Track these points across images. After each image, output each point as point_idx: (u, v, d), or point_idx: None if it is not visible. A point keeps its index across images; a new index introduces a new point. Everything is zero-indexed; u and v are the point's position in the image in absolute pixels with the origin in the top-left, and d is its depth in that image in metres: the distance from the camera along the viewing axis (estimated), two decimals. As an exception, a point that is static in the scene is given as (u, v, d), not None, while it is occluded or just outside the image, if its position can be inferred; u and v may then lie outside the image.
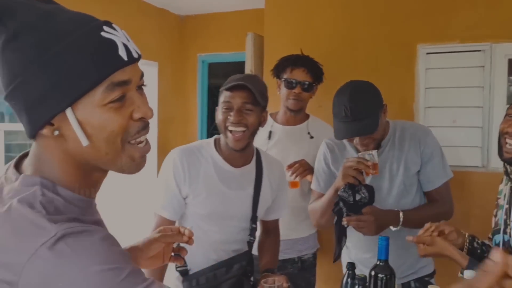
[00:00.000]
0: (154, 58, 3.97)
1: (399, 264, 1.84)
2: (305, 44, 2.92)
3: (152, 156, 3.59)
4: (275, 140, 2.34)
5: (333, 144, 2.04)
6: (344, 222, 1.77)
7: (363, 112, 1.74)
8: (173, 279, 1.78)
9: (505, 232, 1.57)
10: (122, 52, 0.77)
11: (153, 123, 3.94)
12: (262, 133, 2.20)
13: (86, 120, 0.75)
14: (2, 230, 0.72)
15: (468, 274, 1.42)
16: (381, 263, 1.53)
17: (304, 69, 2.29)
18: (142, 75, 0.83)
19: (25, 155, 0.85)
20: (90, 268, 0.70)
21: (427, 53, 2.63)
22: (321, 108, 2.86)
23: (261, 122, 1.71)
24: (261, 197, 1.79)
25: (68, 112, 0.74)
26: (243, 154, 1.74)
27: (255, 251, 1.87)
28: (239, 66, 3.59)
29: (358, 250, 2.02)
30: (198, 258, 1.70)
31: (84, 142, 0.76)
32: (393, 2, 2.76)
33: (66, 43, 0.72)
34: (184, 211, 1.75)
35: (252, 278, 1.80)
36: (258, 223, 1.93)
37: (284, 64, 2.34)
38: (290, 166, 2.18)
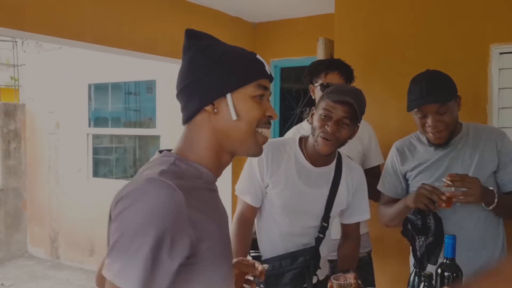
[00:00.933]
0: (229, 65, 4.18)
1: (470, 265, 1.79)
2: (375, 47, 2.98)
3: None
4: None
5: (402, 146, 2.10)
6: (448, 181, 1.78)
7: (438, 87, 1.86)
8: None
9: None
10: (267, 69, 1.14)
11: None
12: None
13: (238, 104, 1.08)
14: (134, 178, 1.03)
15: None
16: (447, 261, 1.57)
17: (337, 73, 2.34)
18: (270, 94, 1.17)
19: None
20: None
21: (501, 53, 2.59)
22: (391, 110, 2.90)
23: (351, 136, 1.81)
24: (336, 198, 1.87)
25: (228, 96, 1.08)
26: (326, 157, 1.84)
27: (323, 252, 1.93)
28: (310, 70, 3.70)
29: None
30: (267, 245, 1.88)
31: (234, 116, 1.07)
32: (464, 2, 2.73)
33: (237, 55, 1.12)
34: (263, 200, 1.91)
35: (316, 275, 1.88)
36: (336, 225, 2.04)
37: (318, 69, 2.39)
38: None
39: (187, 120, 1.12)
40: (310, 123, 1.85)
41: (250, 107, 1.09)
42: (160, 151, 1.14)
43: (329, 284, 1.82)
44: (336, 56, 3.16)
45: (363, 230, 2.35)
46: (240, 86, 1.08)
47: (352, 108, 1.72)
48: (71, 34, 3.03)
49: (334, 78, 2.33)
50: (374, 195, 2.19)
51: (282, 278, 1.81)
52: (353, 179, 1.93)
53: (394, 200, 2.08)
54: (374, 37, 3.00)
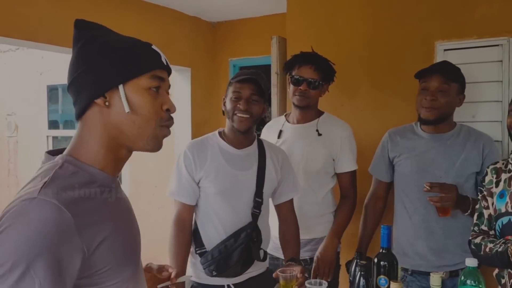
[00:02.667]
0: (187, 64, 4.17)
1: (447, 252, 2.10)
2: (326, 45, 3.02)
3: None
4: (283, 139, 2.41)
5: (395, 132, 2.33)
6: (427, 186, 1.99)
7: (449, 66, 2.17)
8: (193, 260, 2.03)
9: None
10: (163, 60, 1.08)
11: (187, 125, 4.15)
12: (272, 132, 2.44)
13: (132, 96, 1.02)
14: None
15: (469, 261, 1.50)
16: (383, 251, 1.62)
17: (311, 67, 2.31)
18: (169, 86, 1.12)
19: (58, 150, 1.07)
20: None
21: (445, 50, 2.67)
22: (343, 107, 2.96)
23: (263, 112, 2.00)
24: (266, 175, 2.01)
25: (120, 87, 1.01)
26: (245, 137, 2.00)
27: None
28: (268, 69, 3.73)
29: (407, 237, 2.23)
30: (211, 237, 1.95)
31: (127, 109, 1.00)
32: (410, 0, 2.81)
33: (129, 44, 1.05)
34: (198, 195, 1.99)
35: (262, 248, 1.98)
36: (275, 213, 2.14)
37: (292, 61, 2.39)
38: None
39: (79, 115, 1.04)
40: (223, 110, 2.01)
41: (145, 99, 1.03)
42: (49, 152, 1.05)
43: (274, 276, 1.86)
44: (289, 55, 3.20)
45: (324, 233, 2.36)
46: (133, 76, 1.02)
47: (257, 85, 1.92)
48: (25, 34, 2.97)
49: (306, 72, 2.31)
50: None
51: (230, 258, 1.89)
52: (278, 157, 2.09)
53: (382, 183, 2.38)
54: (325, 36, 3.05)
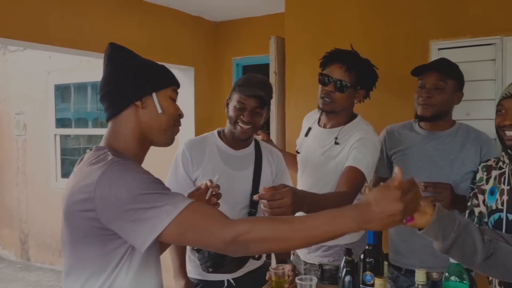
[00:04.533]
0: (190, 63, 4.24)
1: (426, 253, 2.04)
2: (324, 44, 3.04)
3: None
4: (307, 139, 2.27)
5: (393, 129, 2.33)
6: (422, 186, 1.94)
7: (446, 62, 2.16)
8: (192, 257, 2.07)
9: (508, 212, 1.67)
10: (177, 80, 1.44)
11: (190, 123, 4.22)
12: (305, 127, 2.34)
13: (161, 102, 1.35)
14: (79, 174, 1.23)
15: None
16: (370, 247, 1.66)
17: (341, 66, 2.04)
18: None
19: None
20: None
21: (439, 49, 2.71)
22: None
23: (264, 120, 2.04)
24: (262, 175, 2.06)
25: (154, 94, 1.34)
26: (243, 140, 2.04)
27: None
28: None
29: (401, 234, 2.23)
30: None
31: (159, 110, 1.34)
32: (405, 0, 2.85)
33: (156, 65, 1.40)
34: None
35: None
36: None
37: (325, 58, 2.15)
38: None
39: (113, 115, 1.34)
40: (226, 111, 2.03)
41: (170, 104, 1.37)
42: (90, 148, 1.34)
43: (267, 275, 1.92)
44: (287, 54, 3.25)
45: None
46: (163, 88, 1.36)
47: (262, 99, 1.94)
48: (30, 36, 3.05)
49: (336, 72, 2.04)
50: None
51: (226, 256, 1.89)
52: (274, 159, 2.14)
53: (381, 179, 2.31)
54: (323, 35, 3.10)
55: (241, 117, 1.94)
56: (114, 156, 1.22)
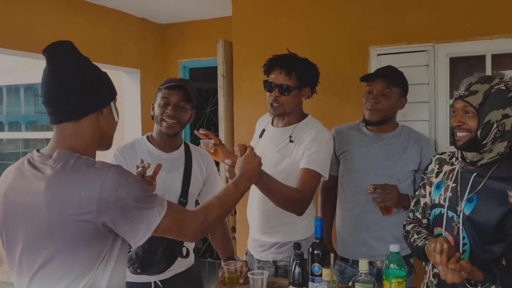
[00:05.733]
0: (137, 66, 4.22)
1: (384, 242, 2.18)
2: (271, 49, 3.15)
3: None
4: (262, 140, 2.32)
5: (342, 129, 2.45)
6: (371, 188, 2.19)
7: (392, 71, 2.32)
8: None
9: (449, 209, 1.71)
10: None
11: (137, 124, 4.19)
12: (259, 129, 2.39)
13: (115, 109, 1.42)
14: (72, 178, 1.23)
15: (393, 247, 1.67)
16: (317, 241, 1.77)
17: (281, 71, 2.12)
18: None
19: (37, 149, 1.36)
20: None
21: (378, 55, 2.88)
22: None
23: (190, 118, 2.11)
24: (192, 176, 2.11)
25: (111, 103, 1.40)
26: (172, 141, 2.10)
27: None
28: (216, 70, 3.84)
29: (348, 227, 2.36)
30: None
31: (116, 118, 1.43)
32: (346, 7, 3.01)
33: (104, 73, 1.42)
34: None
35: (185, 246, 2.06)
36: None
37: (267, 66, 2.22)
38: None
39: (73, 120, 1.33)
40: (152, 115, 2.09)
41: (118, 111, 1.45)
42: (38, 150, 1.35)
43: (220, 272, 1.97)
44: (235, 58, 3.33)
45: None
46: (115, 96, 1.43)
47: (186, 92, 2.01)
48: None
49: (277, 77, 2.14)
50: None
51: (155, 255, 1.93)
52: (204, 160, 2.20)
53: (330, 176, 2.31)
54: (270, 40, 3.19)
55: (166, 111, 2.00)
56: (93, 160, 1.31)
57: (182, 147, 2.16)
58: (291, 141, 2.16)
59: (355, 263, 2.28)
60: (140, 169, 1.74)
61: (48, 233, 1.22)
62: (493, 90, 1.60)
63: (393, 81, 2.26)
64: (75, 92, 1.31)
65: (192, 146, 2.22)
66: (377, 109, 2.25)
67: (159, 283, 2.06)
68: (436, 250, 1.50)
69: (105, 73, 1.42)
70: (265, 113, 2.41)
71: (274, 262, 2.20)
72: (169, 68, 4.51)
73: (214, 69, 4.26)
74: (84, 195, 1.20)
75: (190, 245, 2.15)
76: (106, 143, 1.44)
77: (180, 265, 2.08)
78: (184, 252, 2.03)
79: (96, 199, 1.20)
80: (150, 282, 2.05)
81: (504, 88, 1.60)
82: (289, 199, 1.97)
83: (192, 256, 2.16)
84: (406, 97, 2.34)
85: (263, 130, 2.33)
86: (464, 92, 1.63)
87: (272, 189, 1.92)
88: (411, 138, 2.33)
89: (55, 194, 1.21)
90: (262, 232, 2.24)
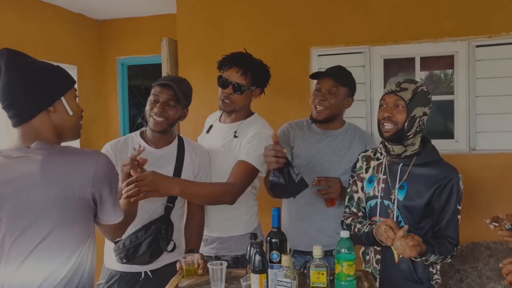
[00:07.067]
0: (73, 62, 4.09)
1: (323, 233, 2.36)
2: (216, 48, 3.24)
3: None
4: (209, 135, 2.39)
5: (295, 125, 2.51)
6: (316, 180, 2.28)
7: (340, 71, 2.40)
8: (108, 248, 2.13)
9: (384, 198, 1.93)
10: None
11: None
12: (208, 124, 2.47)
13: (69, 104, 1.45)
14: (66, 159, 1.37)
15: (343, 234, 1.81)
16: (274, 230, 1.86)
17: (238, 70, 2.19)
18: None
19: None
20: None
21: (319, 55, 3.05)
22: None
23: (181, 117, 2.12)
24: (183, 171, 2.12)
25: (62, 99, 1.43)
26: (163, 136, 2.12)
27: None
28: (157, 68, 3.83)
29: (291, 217, 2.46)
30: (129, 228, 1.93)
31: (70, 112, 1.45)
32: (287, 9, 3.15)
33: (57, 67, 1.47)
34: None
35: (173, 240, 2.10)
36: (185, 206, 2.25)
37: (222, 62, 2.28)
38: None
39: (24, 121, 1.39)
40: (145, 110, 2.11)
41: (76, 104, 1.49)
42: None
43: (178, 265, 2.02)
44: (180, 56, 3.36)
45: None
46: (68, 90, 1.46)
47: (175, 92, 2.03)
48: None
49: (233, 75, 2.20)
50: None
51: (140, 247, 2.00)
52: (196, 154, 2.20)
53: None
54: (215, 39, 3.26)
55: (154, 109, 2.04)
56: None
57: (175, 142, 2.17)
58: (235, 136, 2.23)
59: (296, 252, 2.41)
60: (136, 152, 1.84)
61: (45, 211, 1.32)
62: (419, 90, 1.88)
63: (340, 80, 2.36)
64: (17, 96, 1.37)
65: (186, 141, 2.22)
66: (324, 106, 2.35)
67: (149, 273, 2.10)
68: (387, 230, 1.73)
69: (51, 70, 1.44)
70: (209, 110, 2.54)
71: (217, 257, 2.27)
72: (106, 65, 4.42)
73: (153, 66, 4.25)
74: (81, 174, 1.35)
75: (178, 240, 2.17)
76: (69, 137, 1.49)
77: (170, 256, 2.12)
78: (170, 247, 2.07)
79: (92, 176, 1.36)
80: (141, 272, 2.10)
81: (426, 90, 1.90)
82: (215, 197, 2.06)
83: (182, 248, 2.19)
84: (353, 96, 2.45)
85: (211, 126, 2.40)
86: (396, 88, 1.88)
87: (194, 194, 2.02)
88: (356, 135, 2.46)
89: (52, 174, 1.32)
90: (205, 225, 2.30)
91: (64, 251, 1.35)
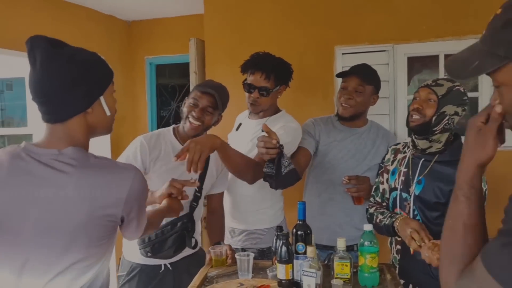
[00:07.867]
0: (104, 62, 4.23)
1: (345, 229, 2.41)
2: (241, 48, 3.32)
3: (106, 152, 3.88)
4: (238, 132, 2.51)
5: (320, 121, 2.55)
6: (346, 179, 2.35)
7: (366, 69, 2.45)
8: (129, 242, 2.17)
9: (403, 191, 1.98)
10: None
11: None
12: (237, 123, 2.57)
13: (107, 102, 1.35)
14: (99, 177, 1.28)
15: (366, 227, 1.87)
16: (300, 222, 1.94)
17: (261, 74, 2.28)
18: None
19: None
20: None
21: (343, 54, 3.10)
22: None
23: (215, 123, 2.23)
24: (208, 172, 2.23)
25: (101, 98, 1.33)
26: (194, 136, 2.15)
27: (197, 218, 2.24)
28: (184, 67, 3.94)
29: (312, 212, 2.44)
30: None
31: (108, 112, 1.35)
32: (311, 8, 3.21)
33: (95, 58, 1.34)
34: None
35: (194, 237, 2.19)
36: (205, 202, 2.35)
37: (245, 66, 2.36)
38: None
39: (60, 121, 1.29)
40: (182, 108, 2.20)
41: (113, 101, 1.39)
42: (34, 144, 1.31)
43: (208, 256, 2.12)
44: (207, 55, 3.45)
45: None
46: (107, 87, 1.35)
47: (215, 100, 2.12)
48: None
49: (257, 80, 2.29)
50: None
51: (165, 242, 2.08)
52: (218, 158, 2.24)
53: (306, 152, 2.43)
54: (240, 39, 3.35)
55: (192, 112, 2.11)
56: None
57: None
58: (263, 131, 2.26)
59: (318, 247, 2.37)
60: (192, 181, 1.93)
61: (75, 232, 1.24)
62: (454, 88, 1.88)
63: (366, 79, 2.41)
64: (53, 95, 1.26)
65: None
66: (350, 104, 2.39)
67: (168, 265, 2.21)
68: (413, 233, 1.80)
69: (92, 65, 1.31)
70: (236, 108, 2.61)
71: (243, 249, 2.36)
72: (135, 64, 4.55)
73: (180, 66, 4.36)
74: (115, 195, 1.29)
75: (198, 236, 2.28)
76: (103, 133, 1.41)
77: (188, 249, 2.21)
78: (193, 243, 2.16)
79: (124, 199, 1.30)
80: (160, 265, 2.20)
81: (462, 90, 1.90)
82: (245, 166, 2.12)
83: (199, 244, 2.29)
84: (378, 94, 2.49)
85: (240, 124, 2.51)
86: (431, 83, 1.91)
87: (230, 155, 2.06)
88: (379, 133, 2.51)
89: (86, 193, 1.24)
90: (232, 218, 2.43)
91: (89, 271, 1.30)
